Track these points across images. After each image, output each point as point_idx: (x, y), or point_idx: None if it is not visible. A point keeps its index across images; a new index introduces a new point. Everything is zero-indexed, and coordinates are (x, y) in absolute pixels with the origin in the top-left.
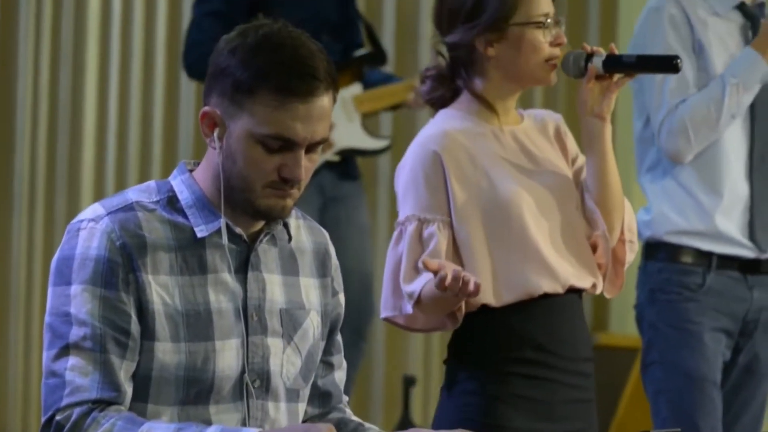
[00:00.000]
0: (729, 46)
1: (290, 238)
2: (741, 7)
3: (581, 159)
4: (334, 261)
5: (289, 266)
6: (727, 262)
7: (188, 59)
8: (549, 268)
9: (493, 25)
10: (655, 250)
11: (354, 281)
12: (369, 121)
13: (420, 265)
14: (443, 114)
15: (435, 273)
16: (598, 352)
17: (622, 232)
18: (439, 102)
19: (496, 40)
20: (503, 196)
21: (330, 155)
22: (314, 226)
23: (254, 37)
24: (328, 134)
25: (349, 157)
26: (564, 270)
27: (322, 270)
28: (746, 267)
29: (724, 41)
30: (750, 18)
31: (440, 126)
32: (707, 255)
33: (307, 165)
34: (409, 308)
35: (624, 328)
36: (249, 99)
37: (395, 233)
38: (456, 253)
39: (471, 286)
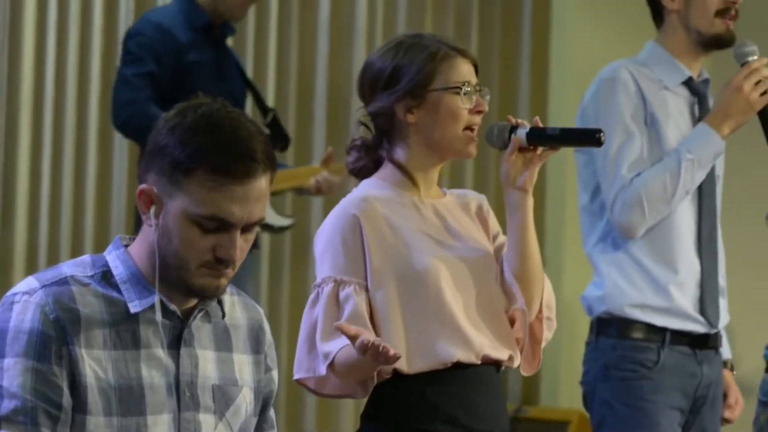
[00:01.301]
0: (678, 121)
1: (224, 315)
2: (688, 83)
3: (502, 237)
4: (268, 337)
5: (223, 342)
6: (679, 337)
7: (122, 116)
8: (464, 337)
9: (412, 90)
10: (606, 326)
11: None
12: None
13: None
14: (365, 183)
15: (351, 339)
16: (528, 425)
17: (540, 310)
18: (362, 172)
19: (415, 106)
20: (420, 264)
21: None
22: (249, 303)
23: (193, 116)
24: (264, 215)
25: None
26: (479, 340)
27: (256, 346)
28: (696, 342)
29: (674, 116)
30: (696, 94)
31: (361, 192)
32: (661, 330)
33: (243, 245)
34: (323, 369)
35: (554, 401)
36: (186, 179)
37: (312, 296)
38: (371, 317)
39: (390, 353)
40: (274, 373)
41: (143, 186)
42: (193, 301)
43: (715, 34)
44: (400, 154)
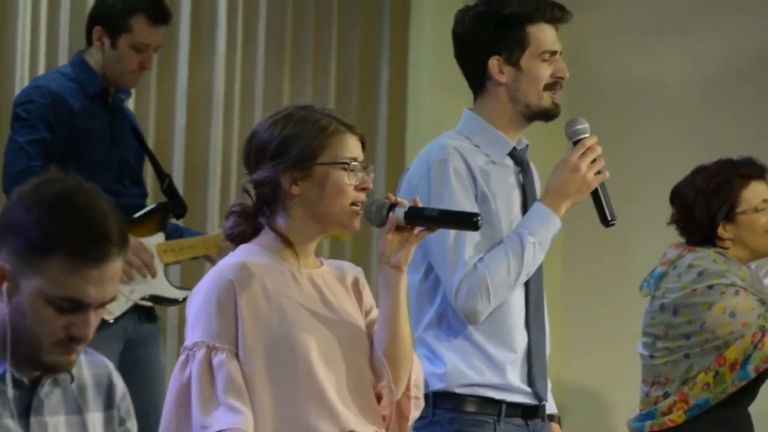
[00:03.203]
0: (508, 194)
1: (72, 379)
2: (511, 153)
3: (375, 312)
4: (120, 389)
5: (73, 406)
6: (513, 410)
7: (18, 185)
8: (331, 411)
9: (298, 162)
10: (443, 399)
11: (150, 423)
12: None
13: (221, 398)
14: (243, 248)
15: None
16: None
17: (408, 388)
18: (239, 238)
19: (301, 179)
20: (292, 336)
21: (139, 299)
22: (96, 360)
23: (49, 195)
24: (116, 293)
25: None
26: (346, 416)
27: (108, 402)
28: (527, 413)
29: (503, 190)
30: (519, 163)
31: (239, 258)
32: (498, 404)
33: (94, 321)
34: None
35: None
36: (42, 260)
37: (181, 358)
38: None
39: None
40: (130, 425)
41: None
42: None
43: (545, 107)
44: (281, 223)
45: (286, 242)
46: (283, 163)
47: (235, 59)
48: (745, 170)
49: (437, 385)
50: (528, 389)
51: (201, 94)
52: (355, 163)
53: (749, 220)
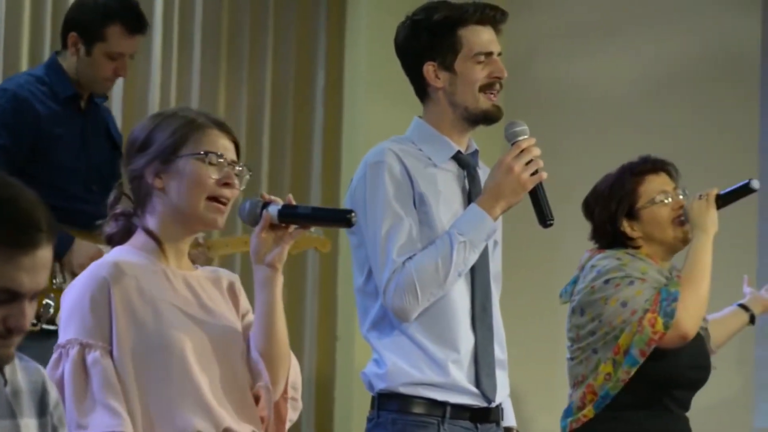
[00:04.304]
0: (449, 198)
1: (6, 383)
2: (456, 157)
3: (251, 316)
4: (53, 397)
5: (6, 410)
6: (460, 412)
7: None
8: (206, 409)
9: (161, 154)
10: (387, 400)
11: None
12: None
13: (98, 396)
14: (117, 249)
15: None
16: None
17: (285, 390)
18: (114, 239)
19: (163, 171)
20: (167, 336)
21: None
22: (30, 366)
23: None
24: (47, 282)
25: None
26: (221, 414)
27: (41, 409)
28: (476, 416)
29: (443, 193)
30: (464, 167)
31: (113, 257)
32: (442, 405)
33: (29, 312)
34: None
35: None
36: None
37: (54, 356)
38: None
39: None
40: None
41: None
42: None
43: (483, 109)
44: (150, 221)
45: (157, 241)
46: (147, 156)
47: (171, 65)
48: (639, 167)
49: (380, 385)
50: (475, 390)
51: (137, 99)
52: (221, 160)
53: (651, 213)
